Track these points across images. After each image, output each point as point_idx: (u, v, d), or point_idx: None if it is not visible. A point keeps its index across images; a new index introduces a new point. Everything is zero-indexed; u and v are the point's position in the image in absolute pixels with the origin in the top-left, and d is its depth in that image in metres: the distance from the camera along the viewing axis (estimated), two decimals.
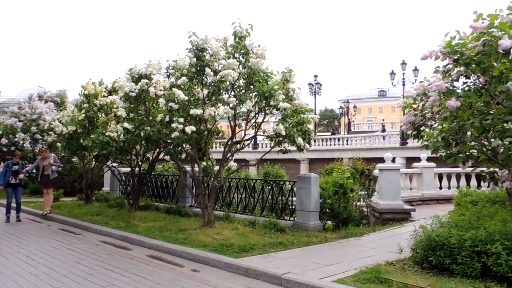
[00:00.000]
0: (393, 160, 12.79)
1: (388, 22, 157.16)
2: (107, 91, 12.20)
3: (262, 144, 34.70)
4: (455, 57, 5.75)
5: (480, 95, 6.17)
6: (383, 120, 60.77)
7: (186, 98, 8.24)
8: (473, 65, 5.72)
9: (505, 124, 5.80)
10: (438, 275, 5.50)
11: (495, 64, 5.68)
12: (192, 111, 8.11)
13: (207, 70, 8.14)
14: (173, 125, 8.17)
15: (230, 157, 10.17)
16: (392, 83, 33.94)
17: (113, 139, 10.15)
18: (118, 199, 13.65)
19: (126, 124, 9.47)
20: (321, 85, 42.92)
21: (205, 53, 8.42)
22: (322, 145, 32.86)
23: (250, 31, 8.64)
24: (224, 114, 8.65)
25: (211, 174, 11.08)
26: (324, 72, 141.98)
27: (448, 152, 6.52)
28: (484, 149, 6.34)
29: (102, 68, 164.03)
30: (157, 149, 11.74)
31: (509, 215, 6.00)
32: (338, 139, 32.92)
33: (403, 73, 31.98)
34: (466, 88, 6.36)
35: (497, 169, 6.28)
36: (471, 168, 7.57)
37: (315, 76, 42.79)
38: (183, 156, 10.15)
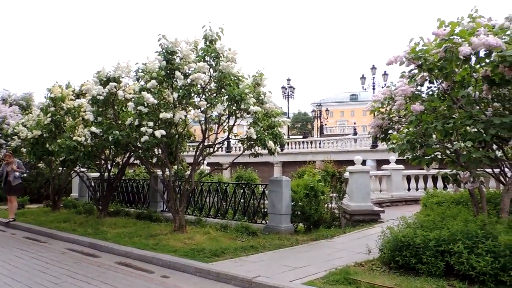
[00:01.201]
0: (364, 163, 13.05)
1: (360, 26, 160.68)
2: (74, 94, 11.90)
3: (235, 147, 34.66)
4: (419, 63, 5.94)
5: (443, 99, 6.39)
6: (355, 123, 62.01)
7: (156, 101, 8.14)
8: (436, 71, 5.92)
9: (467, 128, 6.03)
10: (405, 274, 5.63)
11: (456, 70, 5.90)
12: (161, 115, 8.02)
13: (177, 73, 8.09)
14: (143, 129, 8.06)
15: (202, 161, 10.11)
16: (363, 87, 34.70)
17: (81, 143, 9.89)
18: (86, 205, 13.30)
19: (93, 128, 9.25)
20: (294, 88, 43.39)
21: (175, 56, 8.35)
22: (295, 148, 33.14)
23: (220, 34, 8.64)
24: (195, 117, 8.59)
25: (183, 178, 10.98)
26: (298, 76, 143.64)
27: (414, 154, 6.72)
28: (448, 152, 6.56)
29: (71, 71, 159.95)
30: (127, 154, 11.53)
31: (471, 215, 6.22)
32: (311, 142, 33.28)
33: (373, 78, 32.79)
34: (430, 93, 6.58)
35: (460, 171, 6.50)
36: (437, 170, 7.82)
37: (288, 79, 43.24)
38: (154, 160, 10.01)
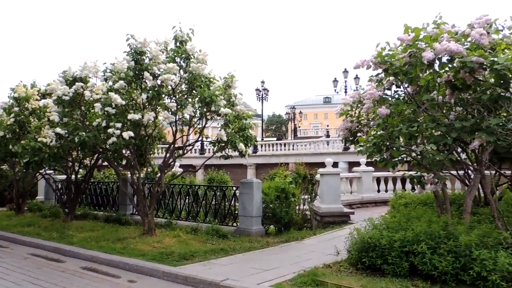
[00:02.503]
0: (336, 165, 13.22)
1: (334, 30, 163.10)
2: (40, 94, 11.51)
3: (209, 149, 34.44)
4: (385, 67, 6.05)
5: (410, 103, 6.54)
6: (328, 126, 62.63)
7: (124, 102, 7.97)
8: (401, 75, 6.04)
9: (433, 131, 6.19)
10: (371, 275, 5.72)
11: (420, 74, 6.04)
12: (130, 116, 7.85)
13: (146, 74, 7.97)
14: (110, 130, 7.86)
15: (173, 163, 9.98)
16: (335, 90, 35.20)
17: (46, 145, 9.56)
18: (53, 209, 12.89)
19: (58, 129, 8.95)
20: (268, 91, 43.57)
21: (144, 57, 8.23)
22: (269, 150, 33.24)
23: (191, 35, 8.56)
24: (165, 119, 8.48)
25: (154, 181, 10.82)
26: (272, 78, 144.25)
27: (382, 157, 6.85)
28: (414, 154, 6.71)
29: (37, 70, 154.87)
30: (96, 155, 11.25)
31: (435, 216, 6.38)
32: (284, 145, 33.45)
33: (345, 81, 33.35)
34: (396, 97, 6.72)
35: (424, 173, 6.66)
36: (403, 172, 7.99)
37: (262, 82, 43.37)
38: (124, 162, 9.80)
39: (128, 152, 9.38)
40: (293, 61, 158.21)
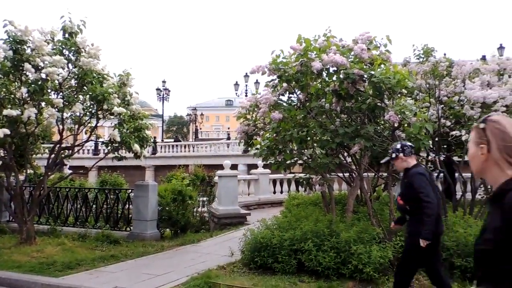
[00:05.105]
0: (236, 167, 13.40)
1: (237, 34, 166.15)
2: None
3: (103, 150, 32.40)
4: (279, 74, 6.33)
5: (302, 109, 6.93)
6: (229, 128, 63.44)
7: None
8: (293, 82, 6.38)
9: (321, 136, 6.63)
10: (262, 274, 5.91)
11: (311, 83, 6.46)
12: (5, 112, 6.97)
13: (27, 65, 7.17)
14: None
15: (60, 164, 9.16)
16: (236, 93, 35.86)
17: None
18: None
19: None
20: (169, 91, 42.55)
21: (25, 47, 7.40)
22: (169, 152, 32.46)
23: (82, 27, 7.95)
24: (50, 116, 7.73)
25: (36, 184, 9.79)
26: (175, 79, 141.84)
27: (276, 160, 7.14)
28: (305, 158, 7.13)
29: None
30: None
31: (322, 215, 6.85)
32: (185, 146, 33.00)
33: (246, 85, 34.17)
34: (289, 102, 7.08)
35: (313, 175, 7.11)
36: (293, 175, 8.41)
37: (164, 81, 42.22)
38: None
39: (5, 151, 8.37)
40: (196, 63, 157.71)
